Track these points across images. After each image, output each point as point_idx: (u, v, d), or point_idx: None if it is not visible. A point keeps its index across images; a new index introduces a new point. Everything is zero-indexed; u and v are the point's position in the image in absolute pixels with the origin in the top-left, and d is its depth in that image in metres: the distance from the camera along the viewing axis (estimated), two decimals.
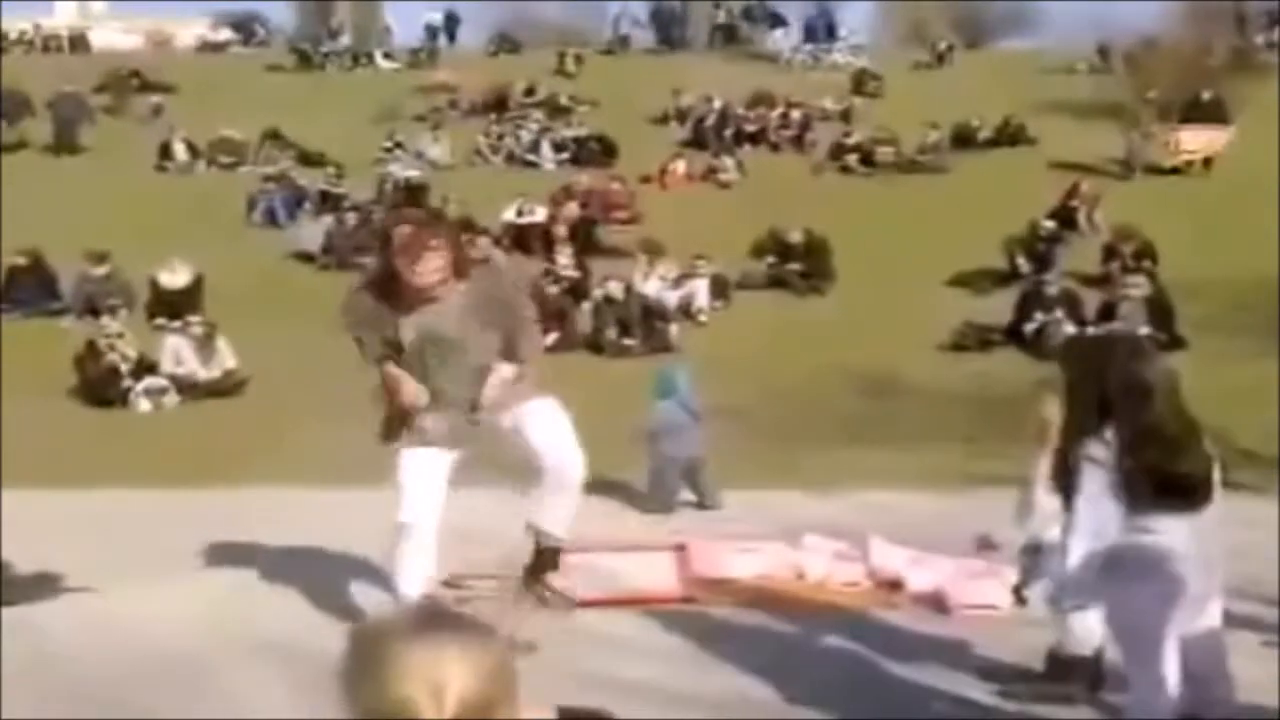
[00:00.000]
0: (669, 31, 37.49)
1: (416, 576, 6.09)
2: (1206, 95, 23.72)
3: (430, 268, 5.80)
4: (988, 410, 11.56)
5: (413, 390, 6.01)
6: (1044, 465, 5.18)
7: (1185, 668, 4.66)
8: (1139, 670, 4.68)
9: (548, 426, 6.23)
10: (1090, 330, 14.73)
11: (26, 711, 5.66)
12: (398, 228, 5.96)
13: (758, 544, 7.78)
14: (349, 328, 6.14)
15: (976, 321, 15.94)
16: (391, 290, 5.93)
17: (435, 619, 2.06)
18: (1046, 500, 5.13)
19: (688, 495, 9.58)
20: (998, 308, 16.24)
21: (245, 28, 42.57)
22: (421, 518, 6.07)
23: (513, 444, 6.31)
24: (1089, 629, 5.43)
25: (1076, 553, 4.59)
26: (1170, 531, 4.54)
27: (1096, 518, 4.56)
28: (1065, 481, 4.74)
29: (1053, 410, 5.11)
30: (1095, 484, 4.55)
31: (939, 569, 7.26)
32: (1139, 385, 4.64)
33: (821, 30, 36.07)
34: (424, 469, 6.08)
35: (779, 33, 36.94)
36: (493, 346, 6.06)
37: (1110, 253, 17.69)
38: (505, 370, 6.07)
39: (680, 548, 7.74)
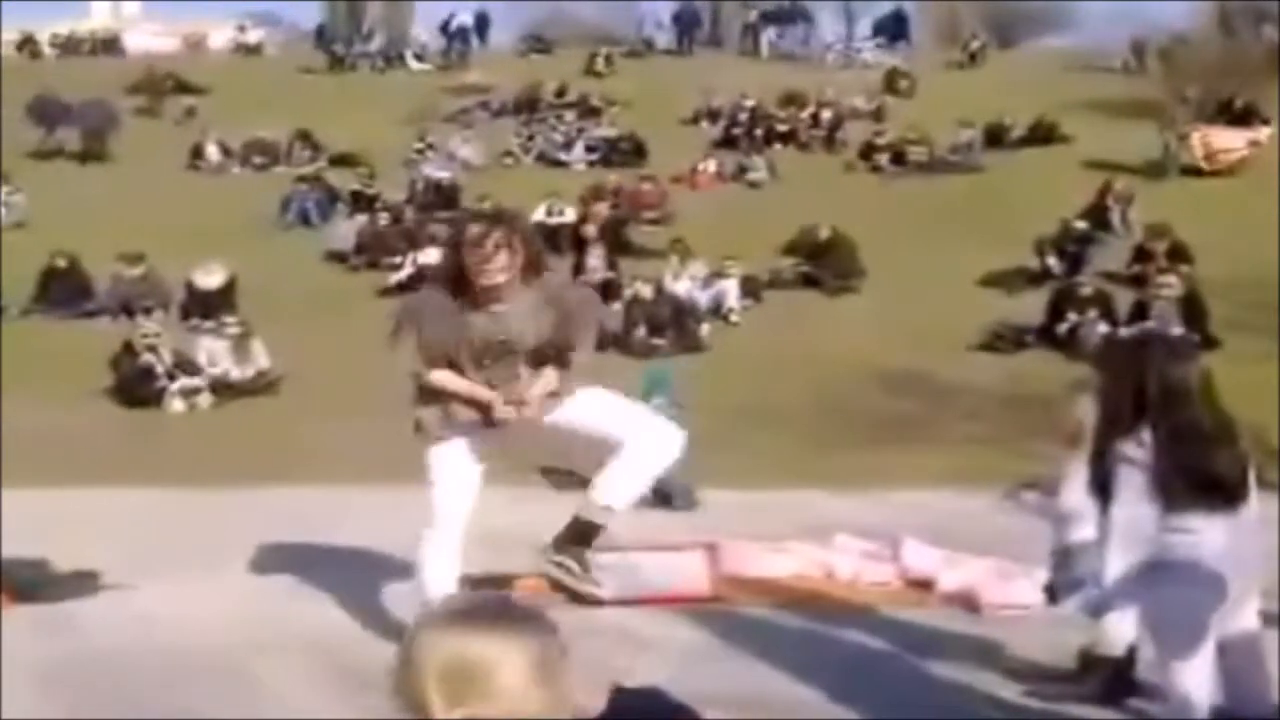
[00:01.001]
0: (691, 34, 37.37)
1: (442, 577, 5.93)
2: (1240, 99, 23.54)
3: (498, 267, 5.66)
4: (1019, 410, 11.54)
5: (486, 393, 5.82)
6: (1077, 466, 5.18)
7: (1222, 668, 4.65)
8: (1175, 670, 4.66)
9: (614, 407, 5.97)
10: (1123, 330, 14.68)
11: (64, 708, 5.72)
12: (468, 226, 5.83)
13: (788, 543, 7.78)
14: (406, 326, 5.89)
15: (1008, 321, 15.90)
16: (458, 290, 5.79)
17: (486, 610, 2.09)
18: (1080, 501, 5.13)
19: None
20: (1030, 308, 16.19)
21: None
22: (451, 517, 5.97)
23: (563, 441, 6.09)
24: (1120, 629, 5.43)
25: (1114, 554, 4.58)
26: (1207, 531, 4.53)
27: (1134, 518, 4.54)
28: (1101, 482, 4.73)
29: (1085, 411, 5.11)
30: (1132, 485, 4.54)
31: (970, 569, 7.24)
32: (1176, 385, 4.64)
33: (891, 26, 35.99)
34: (457, 468, 5.98)
35: (808, 31, 36.97)
36: (549, 350, 5.89)
37: (1143, 252, 17.61)
38: (550, 376, 5.89)
39: (710, 547, 7.75)
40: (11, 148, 25.08)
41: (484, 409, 5.82)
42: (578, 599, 6.06)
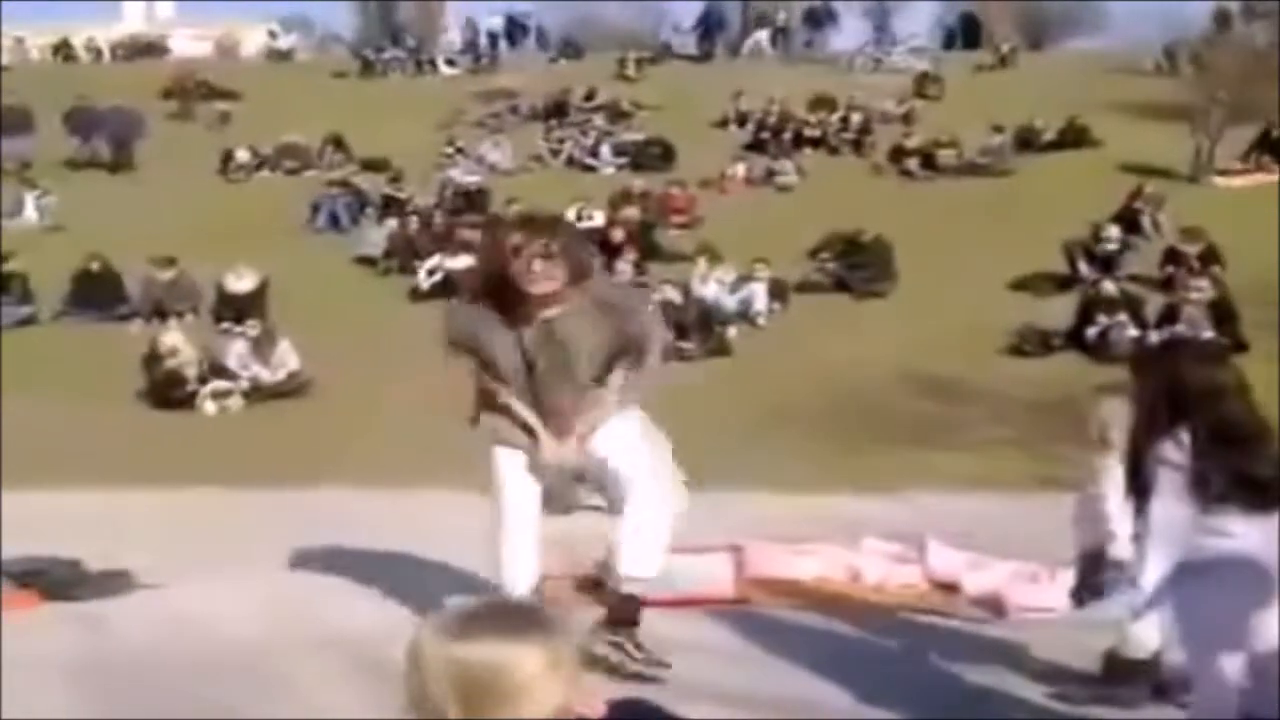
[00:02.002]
0: (712, 39, 37.31)
1: (522, 576, 5.82)
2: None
3: (546, 274, 5.44)
4: (1048, 414, 11.51)
5: (535, 424, 5.73)
6: (1107, 469, 5.18)
7: (1251, 670, 4.65)
8: (1206, 673, 4.65)
9: (632, 452, 5.78)
10: (1154, 334, 14.65)
11: (96, 707, 5.75)
12: (512, 232, 5.59)
13: (814, 546, 7.78)
14: (450, 339, 5.76)
15: (1038, 325, 15.87)
16: (503, 299, 5.56)
17: (499, 614, 2.10)
18: (1113, 504, 5.12)
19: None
20: (1058, 312, 16.15)
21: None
22: (522, 516, 5.83)
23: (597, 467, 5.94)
24: (1147, 632, 5.42)
25: (1152, 555, 4.57)
26: (1245, 534, 4.52)
27: (1172, 520, 4.53)
28: (1138, 484, 4.72)
29: (1114, 413, 5.11)
30: (1170, 486, 4.52)
31: (996, 572, 7.23)
32: (1213, 386, 4.63)
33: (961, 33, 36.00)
34: (520, 467, 5.85)
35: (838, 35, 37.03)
36: (603, 361, 5.71)
37: (1174, 256, 17.55)
38: (603, 402, 5.73)
39: (737, 549, 7.75)
40: (48, 155, 25.26)
41: (532, 434, 5.72)
42: (641, 678, 5.63)
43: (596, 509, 6.49)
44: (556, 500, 5.97)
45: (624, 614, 5.71)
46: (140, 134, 26.73)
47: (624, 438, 5.78)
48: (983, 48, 35.78)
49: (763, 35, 36.94)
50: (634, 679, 5.44)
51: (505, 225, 5.88)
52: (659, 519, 5.76)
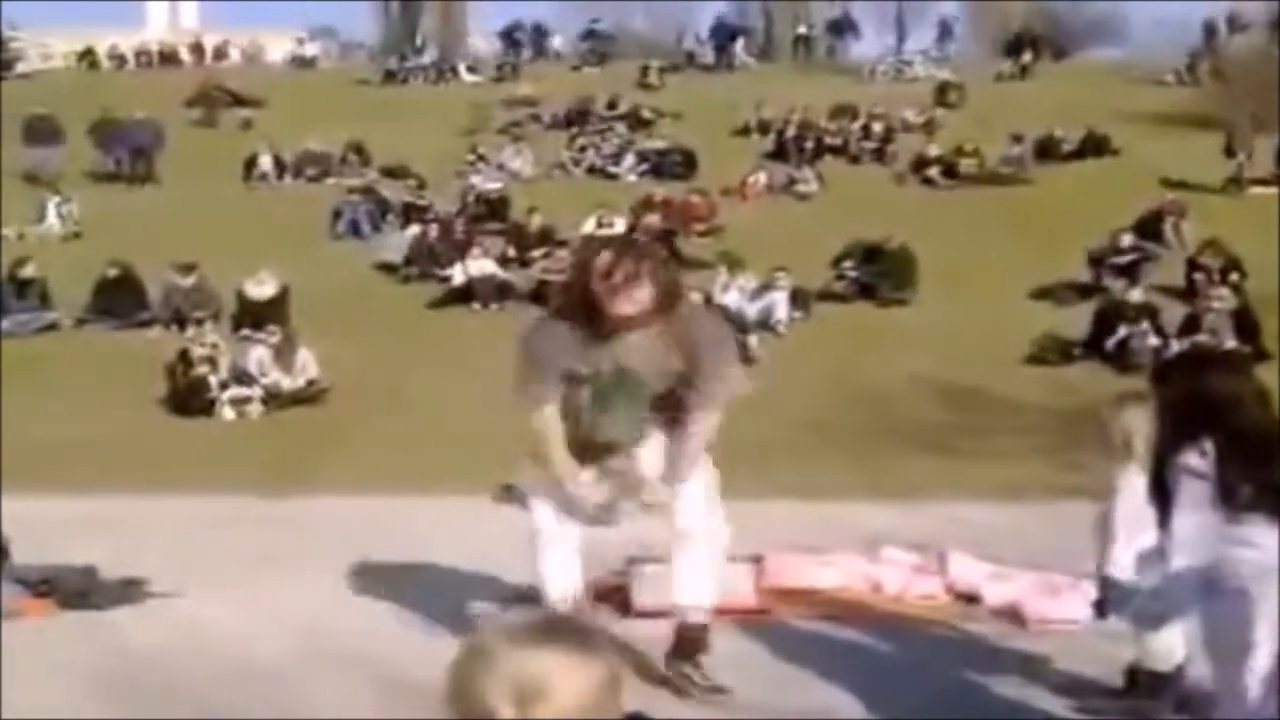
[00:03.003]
0: (726, 50, 37.22)
1: (565, 582, 5.81)
2: None
3: (634, 298, 5.35)
4: (1069, 423, 11.45)
5: (565, 468, 5.65)
6: (1127, 478, 5.13)
7: (1276, 682, 4.59)
8: (1230, 686, 4.60)
9: (694, 491, 5.74)
10: (1176, 343, 14.59)
11: (111, 715, 5.74)
12: (600, 253, 5.47)
13: (834, 556, 7.74)
14: (530, 358, 5.64)
15: (1058, 334, 15.81)
16: (586, 320, 5.46)
17: (554, 628, 2.12)
18: (1135, 513, 5.07)
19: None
20: (1080, 321, 16.09)
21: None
22: (559, 529, 5.80)
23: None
24: (1170, 645, 5.37)
25: (1177, 565, 4.52)
26: (1269, 545, 4.47)
27: (1196, 529, 4.48)
28: (1160, 495, 4.68)
29: (1135, 422, 5.07)
30: (1194, 495, 4.46)
31: (1017, 583, 7.18)
32: (1236, 395, 4.60)
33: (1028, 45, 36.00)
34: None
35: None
36: (668, 388, 5.60)
37: (1196, 265, 17.48)
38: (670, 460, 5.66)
39: (757, 559, 7.70)
40: (72, 164, 25.27)
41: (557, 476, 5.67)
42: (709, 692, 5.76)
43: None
44: (597, 520, 5.90)
45: (688, 645, 5.79)
46: (161, 146, 26.53)
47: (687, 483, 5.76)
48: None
49: (738, 45, 36.84)
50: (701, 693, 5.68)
51: (595, 245, 5.76)
52: (716, 549, 5.85)
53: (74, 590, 7.45)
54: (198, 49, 41.35)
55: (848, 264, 18.63)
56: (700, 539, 5.77)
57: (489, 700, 2.01)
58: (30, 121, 26.20)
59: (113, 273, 18.40)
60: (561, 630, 2.11)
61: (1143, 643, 5.51)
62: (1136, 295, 16.06)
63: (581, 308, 5.48)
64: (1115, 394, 5.90)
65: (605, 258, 5.39)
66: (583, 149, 26.48)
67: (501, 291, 18.49)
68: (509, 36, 38.85)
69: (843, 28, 38.20)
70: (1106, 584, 5.47)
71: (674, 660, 5.77)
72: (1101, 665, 5.89)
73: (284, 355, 15.10)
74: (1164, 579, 4.60)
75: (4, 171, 24.08)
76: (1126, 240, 18.27)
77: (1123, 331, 15.28)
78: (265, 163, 25.96)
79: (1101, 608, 5.56)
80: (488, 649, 2.06)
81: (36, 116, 26.32)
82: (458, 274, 18.79)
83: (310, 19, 50.84)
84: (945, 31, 38.79)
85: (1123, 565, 5.23)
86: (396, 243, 20.70)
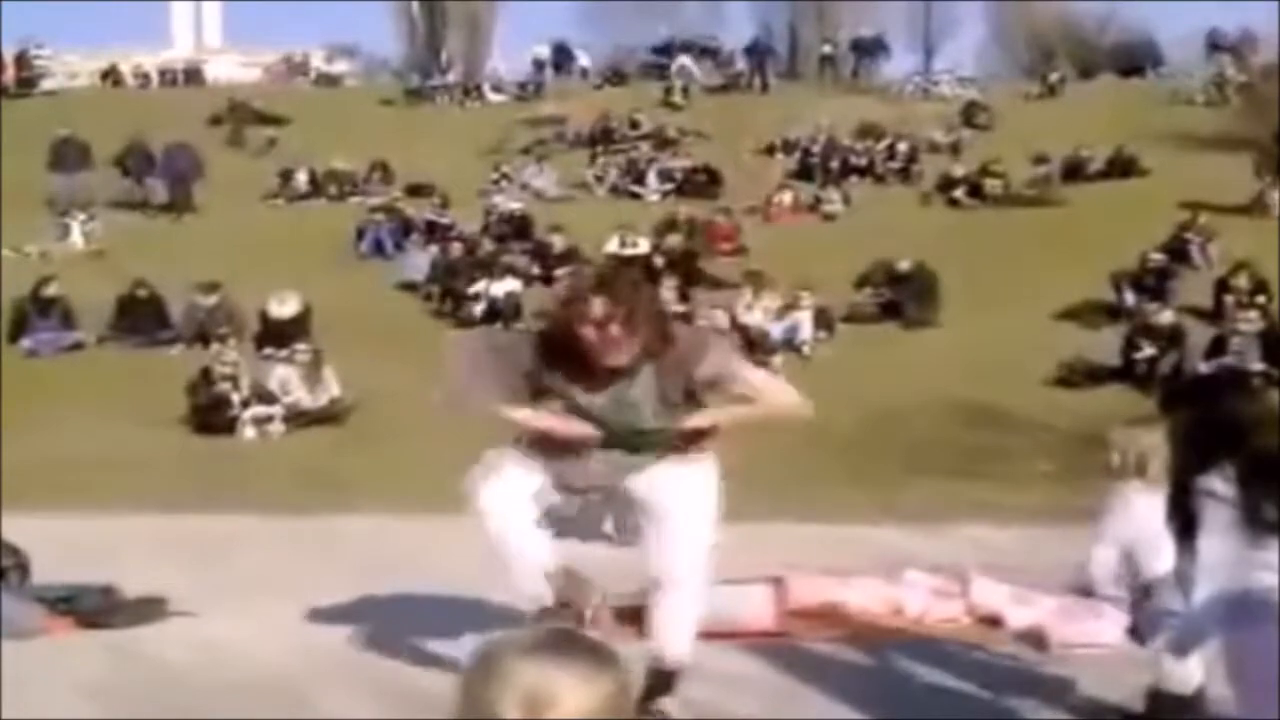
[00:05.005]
0: (764, 66, 37.11)
1: (537, 589, 5.48)
2: None
3: (622, 346, 5.06)
4: (1095, 446, 11.35)
5: (580, 426, 5.28)
6: (1125, 497, 5.11)
7: None
8: (1253, 711, 4.56)
9: (690, 504, 5.44)
10: (1203, 365, 14.52)
11: None
12: (593, 300, 5.06)
13: (856, 578, 7.69)
14: (473, 364, 5.53)
15: (1084, 356, 15.72)
16: (570, 355, 5.17)
17: (558, 641, 2.12)
18: (1127, 530, 5.05)
19: None
20: (1106, 343, 16.01)
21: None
22: (522, 527, 5.43)
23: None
24: (1189, 668, 5.32)
25: (1201, 590, 4.48)
26: None
27: (1220, 555, 4.43)
28: (1182, 520, 4.63)
29: (1154, 445, 5.03)
30: (1217, 519, 4.43)
31: (1040, 606, 7.12)
32: (1259, 417, 4.57)
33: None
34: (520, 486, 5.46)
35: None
36: (675, 406, 5.30)
37: (1223, 287, 17.38)
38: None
39: (777, 581, 7.66)
40: (97, 185, 25.18)
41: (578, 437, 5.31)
42: None
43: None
44: (580, 527, 5.74)
45: (657, 687, 5.54)
46: (200, 174, 25.43)
47: (687, 491, 5.44)
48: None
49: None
50: None
51: (582, 290, 5.19)
52: (699, 595, 5.55)
53: (94, 609, 7.45)
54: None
55: (876, 286, 18.55)
56: (676, 586, 5.46)
57: (498, 711, 2.00)
58: (55, 145, 25.25)
59: (136, 291, 18.45)
60: (572, 643, 2.12)
61: (1161, 666, 5.46)
62: (1167, 317, 15.96)
63: (567, 353, 5.17)
64: (1129, 416, 5.89)
65: (599, 307, 5.02)
66: (606, 168, 26.48)
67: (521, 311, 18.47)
68: (538, 61, 38.79)
69: (869, 47, 38.10)
70: (1139, 610, 5.43)
71: (651, 700, 5.46)
72: (1124, 689, 5.84)
73: (307, 374, 15.12)
74: (1191, 605, 4.56)
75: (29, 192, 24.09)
76: (1159, 260, 18.17)
77: (1149, 353, 15.18)
78: (291, 181, 26.00)
79: (1139, 632, 5.52)
80: (498, 660, 2.06)
81: (61, 140, 25.34)
82: (481, 293, 18.77)
83: (334, 37, 50.81)
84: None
85: (1100, 563, 5.24)
86: (419, 262, 20.71)
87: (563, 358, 5.18)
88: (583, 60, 40.04)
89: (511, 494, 5.38)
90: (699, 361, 5.24)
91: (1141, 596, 5.60)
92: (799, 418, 5.54)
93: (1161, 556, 5.38)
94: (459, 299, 18.98)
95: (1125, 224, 20.11)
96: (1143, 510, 5.52)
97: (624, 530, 5.79)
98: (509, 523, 5.38)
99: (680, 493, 5.40)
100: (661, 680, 5.55)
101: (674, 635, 5.55)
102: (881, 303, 18.32)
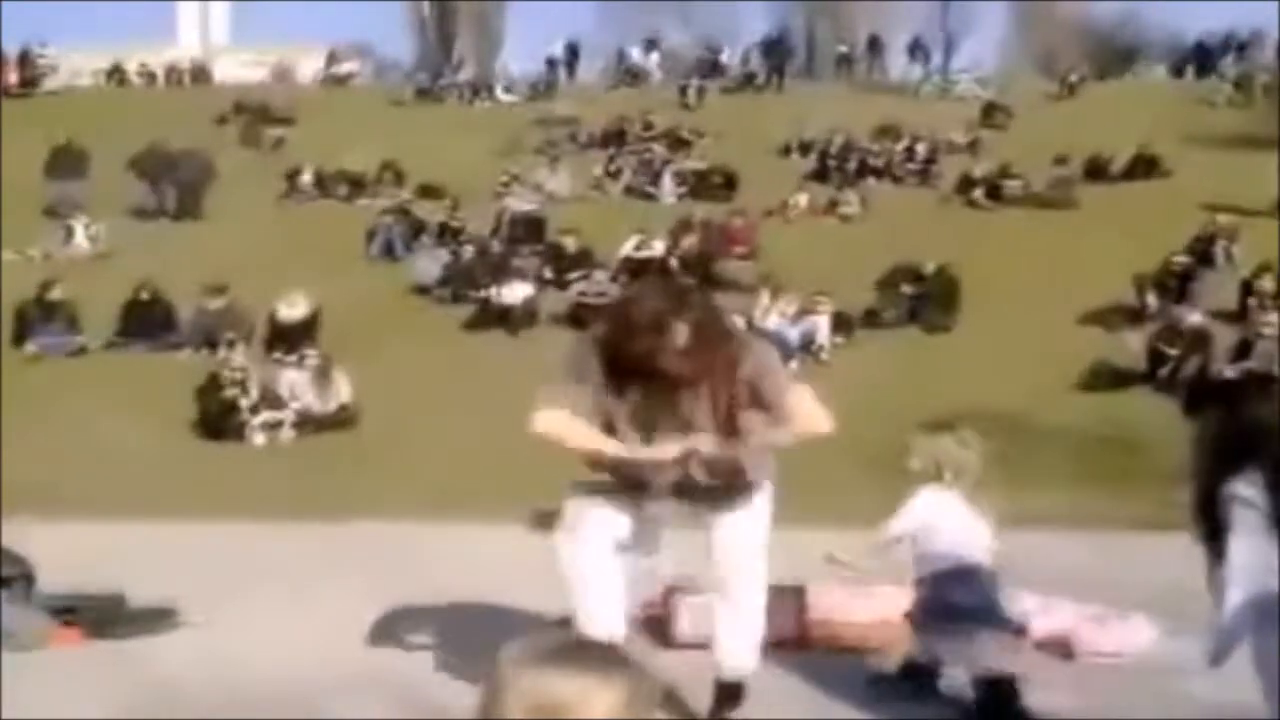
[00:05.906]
0: (781, 66, 36.95)
1: (610, 626, 5.41)
2: None
3: (686, 359, 5.04)
4: (1119, 451, 11.26)
5: (611, 442, 5.25)
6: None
7: None
8: None
9: (750, 527, 5.54)
10: (1228, 369, 14.38)
11: None
12: (672, 323, 5.02)
13: (878, 587, 7.57)
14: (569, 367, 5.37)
15: (1108, 360, 15.56)
16: (624, 366, 5.15)
17: (578, 649, 2.17)
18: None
19: None
20: (1130, 345, 15.87)
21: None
22: (602, 560, 5.45)
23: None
24: None
25: (1234, 597, 4.38)
26: None
27: (1252, 560, 4.35)
28: (1211, 526, 4.50)
29: (944, 447, 5.20)
30: (1247, 525, 4.36)
31: (1064, 614, 7.05)
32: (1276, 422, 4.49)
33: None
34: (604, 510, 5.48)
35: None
36: (725, 411, 5.25)
37: (1248, 289, 17.22)
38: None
39: (798, 590, 7.55)
40: (106, 189, 24.92)
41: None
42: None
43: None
44: (640, 543, 5.63)
45: (723, 702, 5.73)
46: (210, 181, 25.09)
47: (748, 517, 5.55)
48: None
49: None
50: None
51: (664, 315, 5.05)
52: (758, 607, 5.69)
53: (101, 618, 7.36)
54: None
55: (903, 287, 18.37)
56: (742, 588, 5.59)
57: (512, 718, 2.02)
58: (53, 152, 25.10)
59: (142, 295, 18.32)
60: (586, 651, 2.16)
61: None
62: (1195, 319, 15.78)
63: (620, 352, 5.13)
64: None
65: (681, 333, 5.00)
66: (619, 169, 26.31)
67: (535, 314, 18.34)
68: (550, 60, 38.70)
69: (884, 47, 38.01)
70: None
71: (719, 711, 5.71)
72: (1151, 697, 5.77)
73: (316, 378, 14.99)
74: (1223, 611, 4.43)
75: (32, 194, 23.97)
76: (1182, 262, 18.00)
77: (1174, 356, 15.02)
78: (299, 182, 25.86)
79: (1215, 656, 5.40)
80: (513, 667, 2.08)
81: (59, 147, 25.19)
82: (493, 296, 18.62)
83: (343, 36, 50.73)
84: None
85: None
86: (430, 264, 20.56)
87: (625, 371, 5.17)
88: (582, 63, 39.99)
89: (594, 559, 5.42)
90: (743, 361, 5.24)
91: (924, 586, 6.04)
92: (821, 435, 5.50)
93: (940, 548, 6.08)
94: (477, 303, 18.82)
95: (1147, 226, 19.92)
96: (933, 508, 6.34)
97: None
98: (590, 588, 5.43)
99: (738, 512, 5.51)
100: (726, 693, 5.70)
101: (734, 648, 5.66)
102: (907, 308, 18.11)
